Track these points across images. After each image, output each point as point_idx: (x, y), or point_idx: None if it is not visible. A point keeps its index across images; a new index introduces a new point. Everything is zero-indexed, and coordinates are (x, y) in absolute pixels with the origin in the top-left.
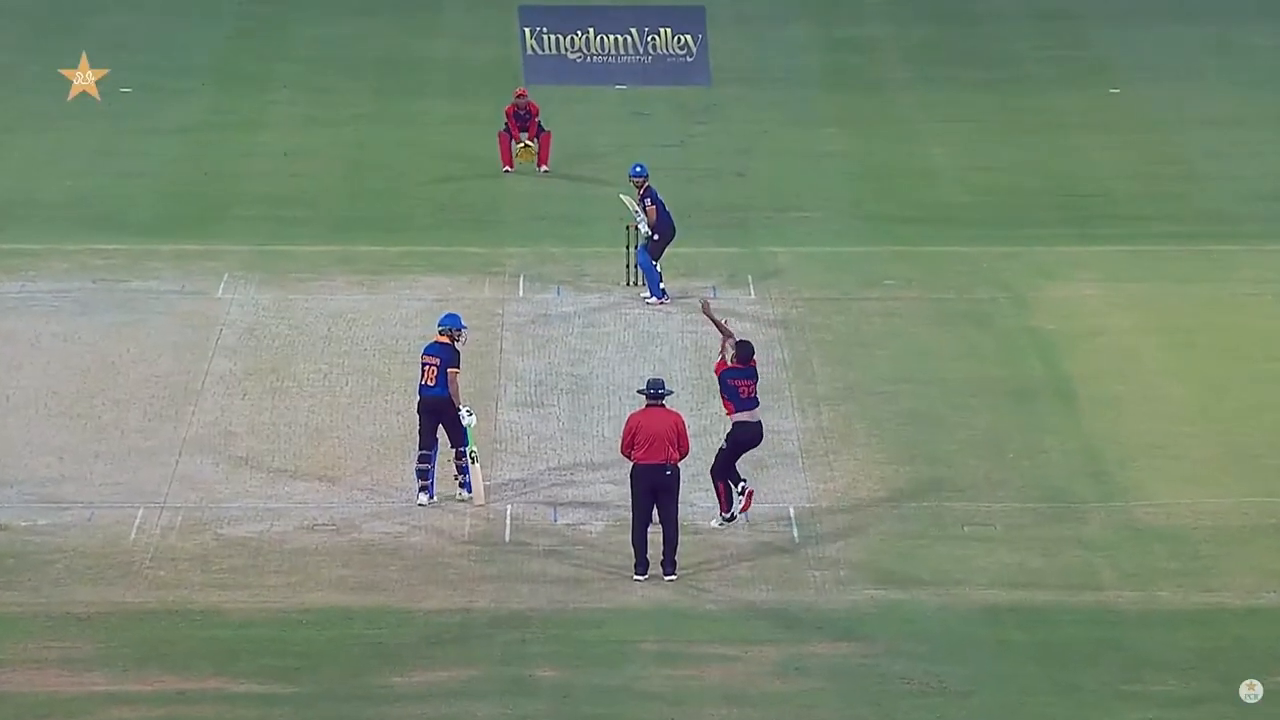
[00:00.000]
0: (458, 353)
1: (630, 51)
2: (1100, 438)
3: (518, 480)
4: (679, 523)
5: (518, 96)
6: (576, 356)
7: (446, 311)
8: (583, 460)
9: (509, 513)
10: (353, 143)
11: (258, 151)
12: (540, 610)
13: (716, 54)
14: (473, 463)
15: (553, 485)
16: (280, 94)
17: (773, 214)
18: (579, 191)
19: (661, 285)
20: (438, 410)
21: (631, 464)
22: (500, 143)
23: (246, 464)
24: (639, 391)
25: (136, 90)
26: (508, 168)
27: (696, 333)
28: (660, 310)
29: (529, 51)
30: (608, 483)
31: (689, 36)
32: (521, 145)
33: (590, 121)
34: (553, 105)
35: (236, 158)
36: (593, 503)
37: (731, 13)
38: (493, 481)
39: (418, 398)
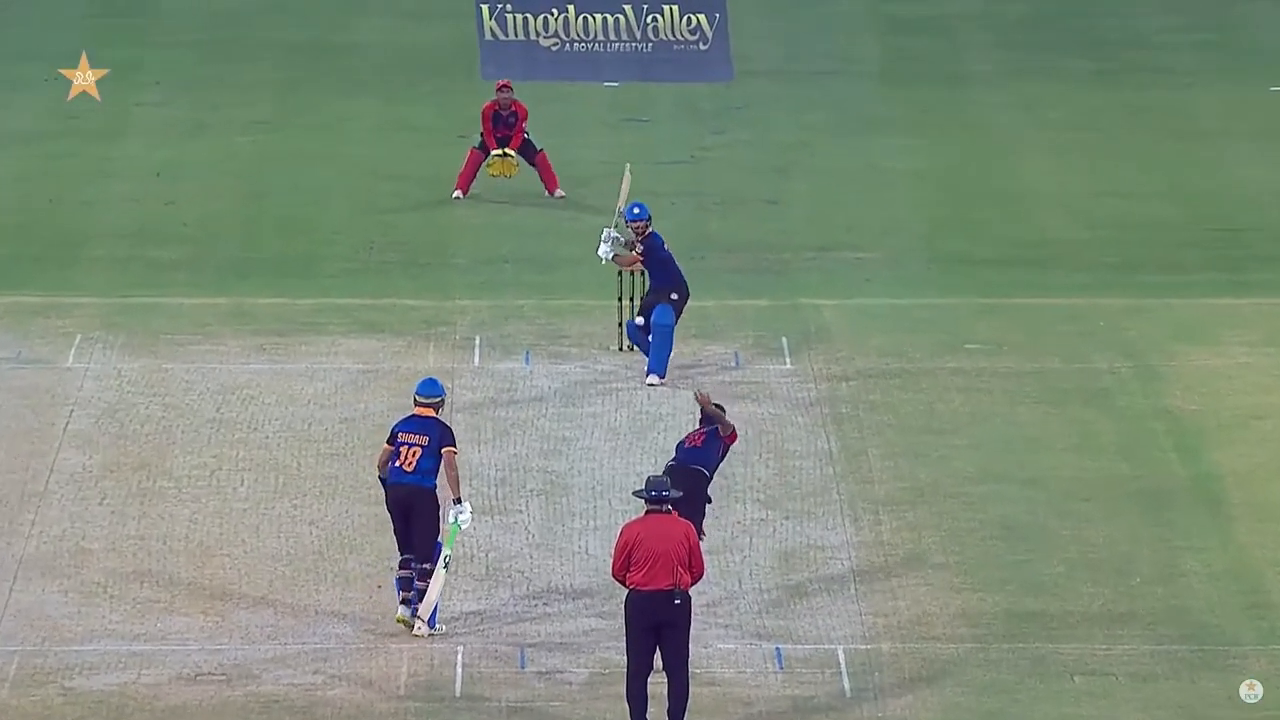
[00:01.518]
0: (451, 430)
1: (624, 36)
2: (1259, 557)
3: (472, 613)
4: (690, 670)
5: (500, 90)
6: (551, 447)
7: (424, 378)
8: (559, 585)
9: (460, 656)
10: (250, 158)
11: (120, 169)
12: None
13: (739, 38)
14: (444, 568)
15: (519, 619)
16: (152, 91)
17: (816, 254)
18: (553, 224)
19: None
20: (415, 504)
21: (627, 591)
22: (468, 161)
23: (105, 592)
24: (636, 494)
25: None
26: (459, 193)
27: None
28: (665, 386)
29: (487, 36)
30: (593, 615)
31: (702, 17)
32: (499, 154)
33: (570, 131)
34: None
35: (92, 178)
36: (573, 643)
37: None
38: (441, 614)
39: (386, 488)
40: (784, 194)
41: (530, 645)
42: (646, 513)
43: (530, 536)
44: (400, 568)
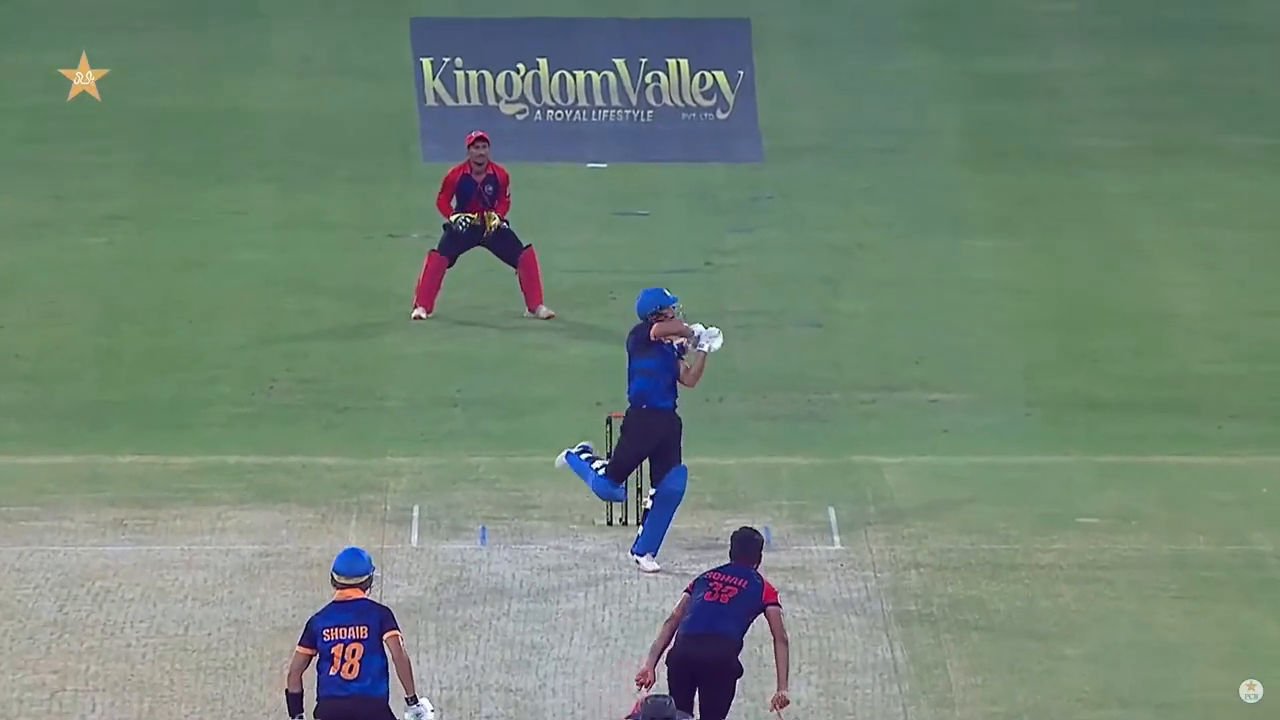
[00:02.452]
0: (390, 610)
1: (614, 101)
2: None
3: None
4: None
5: (474, 145)
6: (515, 656)
7: (344, 550)
8: None
9: None
10: (105, 265)
11: None
12: None
13: (769, 105)
14: None
15: None
16: None
17: (875, 396)
18: (518, 354)
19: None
20: None
21: None
22: (426, 269)
23: None
24: None
25: None
26: (421, 311)
27: None
28: (669, 571)
29: (429, 101)
30: None
31: (720, 74)
32: (485, 220)
33: (542, 228)
34: None
35: None
36: None
37: (790, 30)
38: None
39: (318, 705)
40: (831, 314)
41: None
42: None
43: None
44: None
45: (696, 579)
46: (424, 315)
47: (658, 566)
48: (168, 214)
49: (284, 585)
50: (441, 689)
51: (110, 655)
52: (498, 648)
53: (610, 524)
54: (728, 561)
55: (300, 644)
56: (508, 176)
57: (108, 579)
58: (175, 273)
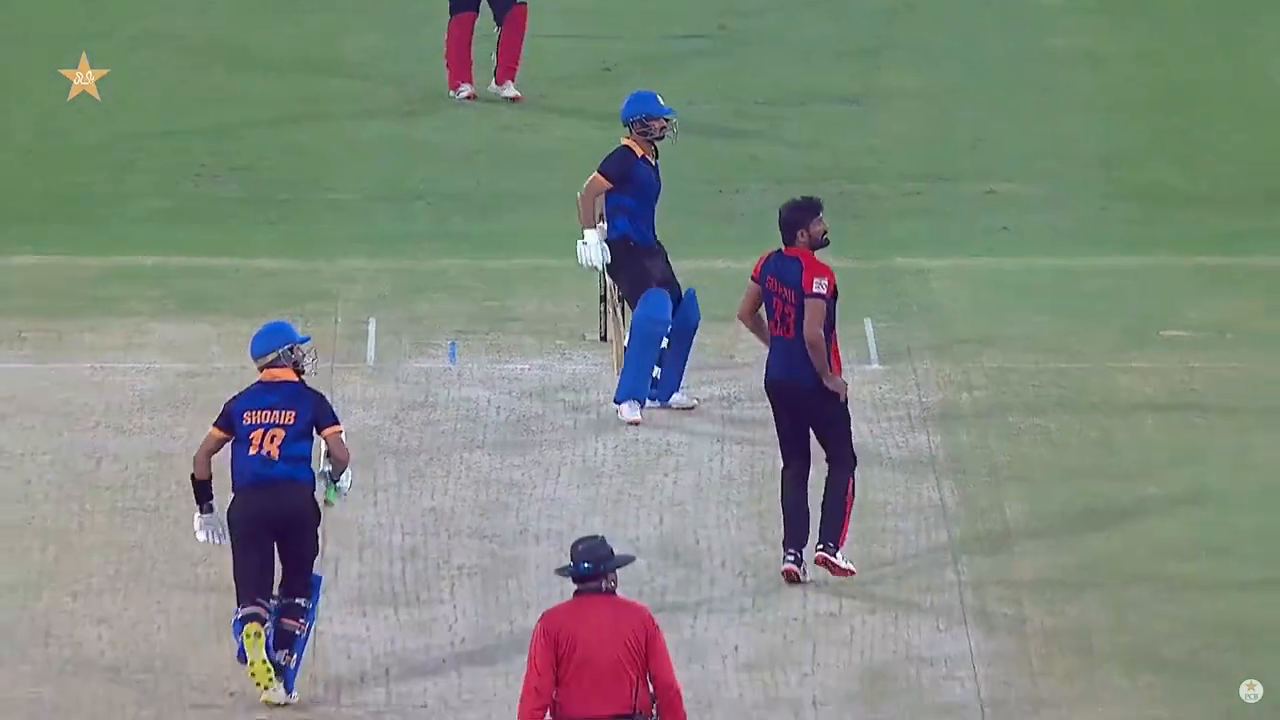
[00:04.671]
0: (326, 399)
1: None
2: None
3: None
4: None
5: None
6: (491, 497)
7: (264, 325)
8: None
9: None
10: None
11: None
12: None
13: None
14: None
15: None
16: None
17: (923, 186)
18: (495, 137)
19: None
20: (288, 511)
21: None
22: (451, 35)
23: None
24: (558, 572)
25: None
26: (466, 88)
27: (743, 445)
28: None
29: None
30: None
31: None
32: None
33: None
34: None
35: None
36: None
37: None
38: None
39: (236, 501)
40: (871, 89)
41: None
42: (576, 595)
43: (456, 643)
44: (246, 605)
45: (764, 264)
46: (471, 93)
47: (639, 417)
48: None
49: (214, 412)
50: (404, 535)
51: (6, 495)
52: (470, 486)
53: (604, 339)
54: (780, 250)
55: (215, 425)
56: None
57: (5, 404)
58: (78, 43)
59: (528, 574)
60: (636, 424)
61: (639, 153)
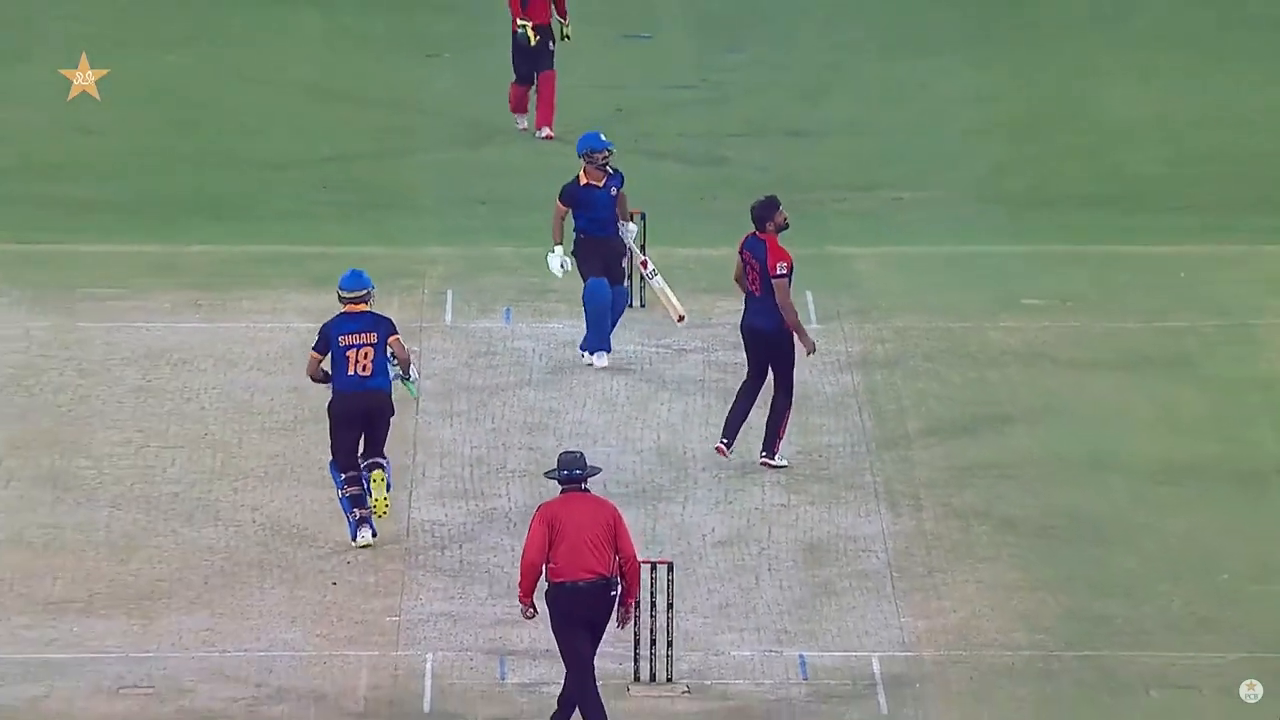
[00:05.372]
0: (391, 319)
1: None
2: None
3: (443, 614)
4: (689, 680)
5: None
6: (536, 420)
7: (350, 270)
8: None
9: (429, 666)
10: (172, 73)
11: (18, 91)
12: None
13: None
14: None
15: (498, 622)
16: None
17: (851, 195)
18: (536, 159)
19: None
20: (377, 412)
21: (547, 585)
22: (511, 99)
23: (11, 590)
24: (547, 475)
25: None
26: (521, 119)
27: (727, 378)
28: (670, 347)
29: None
30: None
31: None
32: (554, 31)
33: (563, 55)
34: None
35: None
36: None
37: None
38: (407, 616)
39: (341, 397)
40: (812, 124)
41: (511, 653)
42: (563, 493)
43: (511, 525)
44: (349, 485)
45: (743, 243)
46: (525, 126)
47: (606, 363)
48: (225, 30)
49: None
50: (472, 447)
51: (187, 417)
52: (520, 412)
53: (631, 305)
54: (754, 233)
55: (314, 349)
56: None
57: (183, 352)
58: (272, 85)
59: None
60: (605, 368)
61: (584, 181)
